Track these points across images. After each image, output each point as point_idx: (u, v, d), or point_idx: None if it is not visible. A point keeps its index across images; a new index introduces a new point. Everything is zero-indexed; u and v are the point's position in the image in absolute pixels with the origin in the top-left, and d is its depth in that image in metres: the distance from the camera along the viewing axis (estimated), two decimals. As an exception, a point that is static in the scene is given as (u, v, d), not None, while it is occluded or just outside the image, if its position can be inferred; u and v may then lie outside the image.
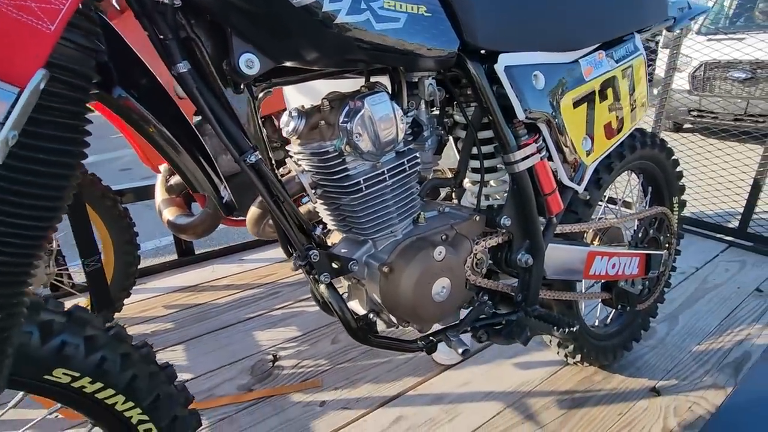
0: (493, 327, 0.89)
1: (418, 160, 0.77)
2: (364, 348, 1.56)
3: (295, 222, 0.70)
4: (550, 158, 0.88)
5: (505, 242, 0.89)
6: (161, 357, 1.55)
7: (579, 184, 0.93)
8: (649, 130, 2.66)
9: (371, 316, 0.80)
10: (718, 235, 2.40)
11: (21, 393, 0.56)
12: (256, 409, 1.32)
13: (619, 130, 0.99)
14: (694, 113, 5.17)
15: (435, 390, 1.38)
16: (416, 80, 0.74)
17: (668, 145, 1.37)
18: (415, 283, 0.72)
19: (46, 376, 0.55)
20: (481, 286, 0.88)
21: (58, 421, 1.24)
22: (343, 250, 0.78)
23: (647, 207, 1.41)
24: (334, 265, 0.74)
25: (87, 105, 0.43)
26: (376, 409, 1.31)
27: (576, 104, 0.88)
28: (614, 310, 1.47)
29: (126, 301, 1.72)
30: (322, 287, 0.75)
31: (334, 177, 0.70)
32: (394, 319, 0.80)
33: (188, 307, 1.85)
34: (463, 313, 0.88)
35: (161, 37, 0.53)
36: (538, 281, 0.91)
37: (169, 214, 1.60)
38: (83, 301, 1.57)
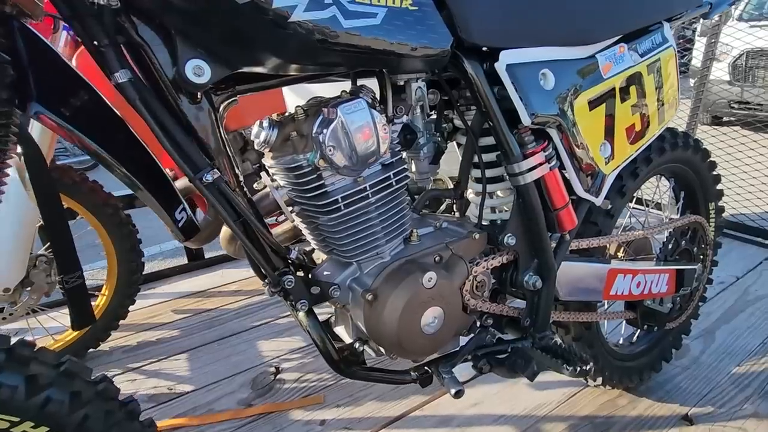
0: (496, 356, 0.80)
1: (407, 173, 0.68)
2: (369, 362, 1.49)
3: (267, 245, 0.63)
4: (562, 167, 0.78)
5: (510, 262, 0.79)
6: (165, 366, 1.53)
7: (597, 195, 0.82)
8: (684, 124, 2.48)
9: (357, 345, 0.72)
10: (763, 241, 2.20)
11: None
12: (255, 426, 1.27)
13: (645, 133, 0.88)
14: (735, 105, 4.83)
15: (442, 411, 1.29)
16: (402, 84, 0.66)
17: (703, 146, 1.23)
18: (400, 314, 0.64)
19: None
20: (484, 311, 0.79)
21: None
22: (325, 273, 0.70)
23: (679, 214, 1.27)
24: (313, 291, 0.67)
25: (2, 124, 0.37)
26: (379, 431, 1.23)
27: (592, 105, 0.78)
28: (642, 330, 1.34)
29: (133, 306, 1.70)
30: (301, 315, 0.68)
31: (309, 194, 0.62)
32: (381, 349, 0.72)
33: (196, 314, 1.83)
34: (463, 340, 0.79)
35: (95, 43, 0.46)
36: (548, 305, 0.81)
37: (173, 220, 1.58)
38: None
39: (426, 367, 0.77)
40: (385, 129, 0.62)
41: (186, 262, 2.17)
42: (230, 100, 0.58)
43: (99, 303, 1.54)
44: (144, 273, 1.64)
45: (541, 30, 0.72)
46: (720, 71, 4.71)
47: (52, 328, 1.57)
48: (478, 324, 0.81)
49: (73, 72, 0.47)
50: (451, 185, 0.89)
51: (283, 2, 0.46)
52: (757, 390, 1.32)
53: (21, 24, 0.41)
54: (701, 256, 1.26)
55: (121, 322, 1.65)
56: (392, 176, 0.66)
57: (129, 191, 2.02)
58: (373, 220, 0.65)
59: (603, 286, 0.92)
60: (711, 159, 1.27)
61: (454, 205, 0.86)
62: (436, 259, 0.71)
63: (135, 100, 0.48)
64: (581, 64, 0.76)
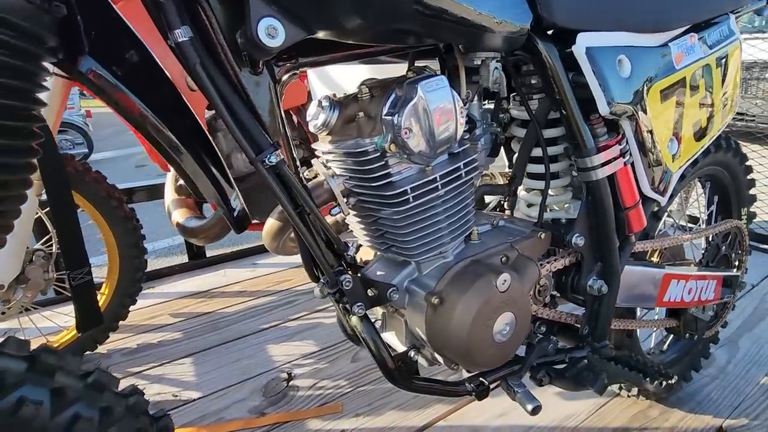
0: (553, 366, 0.74)
1: (477, 164, 0.61)
2: (388, 368, 1.42)
3: (324, 239, 0.56)
4: (632, 163, 0.72)
5: (572, 264, 0.73)
6: (168, 370, 1.43)
7: (663, 194, 0.77)
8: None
9: (412, 353, 0.65)
10: (773, 248, 2.19)
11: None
12: (269, 436, 1.19)
13: (708, 131, 0.83)
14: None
15: (468, 421, 1.23)
16: (478, 64, 0.59)
17: (742, 150, 1.19)
18: (473, 320, 0.57)
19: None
20: (543, 318, 0.73)
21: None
22: (379, 273, 0.63)
23: (714, 219, 1.23)
24: (370, 293, 0.60)
25: (41, 75, 0.29)
26: (403, 443, 1.16)
27: (664, 97, 0.72)
28: (671, 336, 1.30)
29: (133, 306, 1.60)
30: (354, 319, 0.61)
31: (374, 183, 0.55)
32: (439, 358, 0.65)
33: (198, 315, 1.73)
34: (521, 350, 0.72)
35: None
36: (609, 311, 0.75)
37: (179, 216, 1.48)
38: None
39: (481, 378, 0.70)
40: (462, 113, 0.55)
41: (185, 260, 2.07)
42: (291, 73, 0.51)
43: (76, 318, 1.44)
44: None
45: (619, 13, 0.66)
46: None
47: (45, 329, 1.47)
48: (537, 334, 0.75)
49: (126, 25, 0.40)
50: (500, 180, 0.82)
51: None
52: (789, 401, 1.28)
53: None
54: (738, 262, 1.22)
55: (121, 323, 1.55)
56: (462, 167, 0.59)
57: (132, 184, 1.92)
58: (440, 215, 0.59)
59: (658, 292, 0.87)
60: (748, 163, 1.23)
61: (506, 203, 0.80)
62: (503, 259, 0.64)
63: (195, 65, 0.41)
64: (656, 52, 0.70)
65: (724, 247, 1.16)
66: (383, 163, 0.55)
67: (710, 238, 1.13)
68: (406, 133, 0.51)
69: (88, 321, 1.03)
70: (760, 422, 1.21)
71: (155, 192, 1.86)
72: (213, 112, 0.49)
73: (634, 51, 0.68)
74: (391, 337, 0.69)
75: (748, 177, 1.26)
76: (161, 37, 0.40)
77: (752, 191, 1.30)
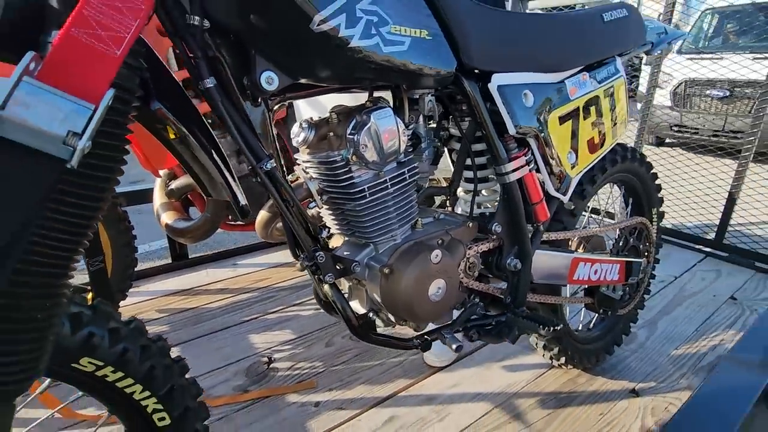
0: (483, 327, 0.95)
1: (418, 170, 0.83)
2: (358, 350, 1.61)
3: (304, 225, 0.75)
4: (537, 170, 0.95)
5: (495, 248, 0.95)
6: (157, 358, 1.58)
7: (564, 194, 1.00)
8: (632, 143, 2.79)
9: (371, 315, 0.85)
10: (697, 246, 2.51)
11: (48, 380, 0.60)
12: (252, 409, 1.35)
13: (602, 145, 1.07)
14: (675, 128, 5.37)
15: (426, 391, 1.43)
16: (417, 97, 0.81)
17: (647, 160, 1.46)
18: (413, 284, 0.78)
19: (73, 364, 0.59)
20: (473, 289, 0.94)
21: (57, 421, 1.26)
22: (345, 253, 0.83)
23: (628, 217, 1.49)
24: (338, 267, 0.80)
25: (130, 115, 0.48)
26: (369, 410, 1.35)
27: (562, 120, 0.96)
28: (597, 315, 1.55)
29: (121, 303, 1.74)
30: (326, 287, 0.80)
31: (341, 184, 0.75)
32: (392, 318, 0.85)
33: (183, 311, 1.87)
34: (456, 314, 0.94)
35: (191, 55, 0.58)
36: (525, 284, 0.98)
37: (168, 218, 1.64)
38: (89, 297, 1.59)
39: (426, 336, 0.91)
40: (404, 133, 0.76)
41: (170, 261, 2.20)
42: (281, 104, 0.71)
43: (92, 296, 1.58)
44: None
45: (525, 59, 0.89)
46: (662, 97, 5.25)
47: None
48: (470, 301, 0.96)
49: (167, 71, 0.58)
50: (444, 184, 1.04)
51: (345, 32, 0.60)
52: (691, 368, 1.55)
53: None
54: (646, 253, 1.48)
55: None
56: (406, 172, 0.81)
57: (126, 188, 2.05)
58: (390, 207, 0.79)
59: (568, 272, 1.10)
60: (654, 171, 1.50)
61: (447, 201, 1.01)
62: (439, 242, 0.85)
63: (218, 103, 0.60)
64: (554, 87, 0.94)
65: (632, 240, 1.42)
66: (347, 169, 0.75)
67: (618, 232, 1.39)
68: (363, 147, 0.72)
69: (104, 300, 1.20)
70: (666, 384, 1.47)
71: (142, 196, 2.00)
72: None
73: (537, 86, 0.91)
74: (355, 304, 0.89)
75: (656, 182, 1.53)
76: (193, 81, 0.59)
77: (660, 194, 1.57)
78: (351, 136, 0.72)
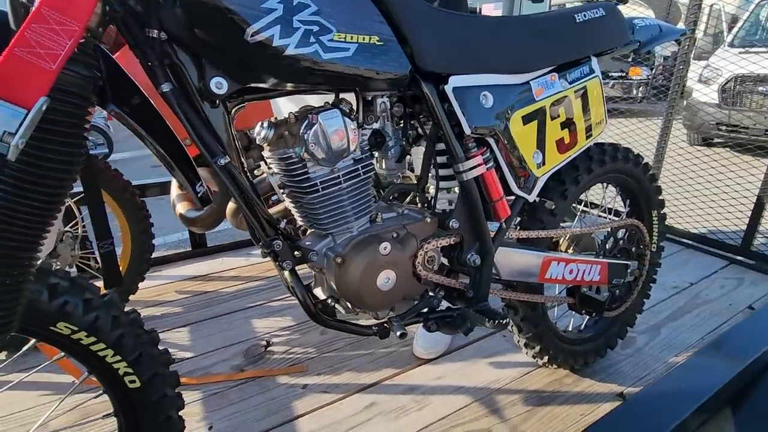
0: (443, 319, 0.99)
1: (372, 167, 0.88)
2: (351, 340, 1.68)
3: (263, 216, 0.83)
4: (499, 169, 0.98)
5: (456, 243, 0.99)
6: (167, 337, 1.72)
7: (529, 193, 1.02)
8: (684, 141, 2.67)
9: (330, 301, 0.92)
10: (720, 252, 2.39)
11: (33, 340, 0.71)
12: (245, 387, 1.46)
13: (573, 145, 1.08)
14: (723, 127, 5.04)
15: (410, 381, 1.48)
16: (370, 98, 0.86)
17: (644, 161, 1.43)
18: (361, 273, 0.83)
19: (51, 327, 0.70)
20: (435, 282, 0.99)
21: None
22: (307, 243, 0.90)
23: (622, 218, 1.47)
24: (296, 254, 0.87)
25: (86, 117, 0.57)
26: (353, 395, 1.42)
27: (526, 121, 0.98)
28: (588, 318, 1.54)
29: (142, 285, 1.90)
30: (286, 273, 0.88)
31: (296, 179, 0.82)
32: (348, 305, 0.92)
33: (196, 294, 2.02)
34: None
35: (149, 63, 0.66)
36: (487, 280, 1.01)
37: (182, 208, 1.78)
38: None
39: (384, 324, 0.96)
40: (354, 132, 0.82)
41: (190, 249, 2.37)
42: (239, 106, 0.79)
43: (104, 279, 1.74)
44: (152, 258, 1.85)
45: (483, 61, 0.92)
46: (707, 96, 4.94)
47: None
48: (431, 294, 1.01)
49: (132, 82, 0.67)
50: (415, 181, 1.09)
51: (279, 42, 0.67)
52: (687, 376, 1.50)
53: (100, 47, 0.61)
54: (639, 255, 1.45)
55: (131, 297, 1.85)
56: (360, 168, 0.86)
57: (144, 181, 2.23)
58: (344, 201, 0.85)
59: (539, 270, 1.12)
60: (652, 172, 1.47)
61: (417, 198, 1.06)
62: (394, 235, 0.90)
63: (174, 104, 0.68)
64: (517, 89, 0.96)
65: (621, 241, 1.40)
66: (302, 165, 0.82)
67: (608, 232, 1.37)
68: (312, 146, 0.78)
69: (113, 280, 1.33)
70: (657, 390, 1.44)
71: (165, 188, 2.16)
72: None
73: (497, 88, 0.94)
74: (318, 291, 0.96)
75: (655, 184, 1.50)
76: (153, 86, 0.68)
77: (660, 197, 1.53)
78: (303, 135, 0.79)
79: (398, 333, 0.88)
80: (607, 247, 1.35)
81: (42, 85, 0.48)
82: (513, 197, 1.02)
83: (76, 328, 0.71)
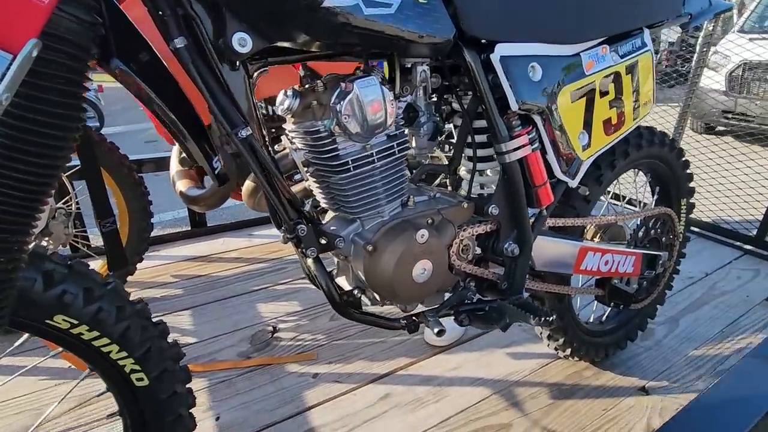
0: (475, 312, 0.92)
1: (408, 144, 0.79)
2: (362, 327, 1.61)
3: (286, 197, 0.73)
4: (544, 150, 0.89)
5: (493, 231, 0.91)
6: (168, 320, 1.64)
7: (573, 178, 0.93)
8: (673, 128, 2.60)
9: (356, 292, 0.83)
10: (736, 243, 2.34)
11: (26, 334, 0.62)
12: (254, 375, 1.39)
13: (620, 127, 0.99)
14: (729, 115, 4.94)
15: (425, 372, 1.42)
16: (409, 66, 0.76)
17: (678, 146, 1.34)
18: (396, 263, 0.75)
19: (47, 321, 0.61)
20: (467, 272, 0.90)
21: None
22: (332, 228, 0.81)
23: (653, 207, 1.39)
24: (322, 241, 0.78)
25: (86, 73, 0.46)
26: (366, 385, 1.36)
27: (574, 98, 0.88)
28: (610, 308, 1.48)
29: (139, 266, 1.81)
30: (309, 261, 0.79)
31: (324, 156, 0.73)
32: (377, 296, 0.83)
33: (197, 276, 1.93)
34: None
35: (160, 12, 0.56)
36: (523, 271, 0.93)
37: (182, 185, 1.67)
38: (100, 262, 1.66)
39: (414, 317, 0.88)
40: (392, 104, 0.72)
41: (190, 228, 2.27)
42: (262, 69, 0.68)
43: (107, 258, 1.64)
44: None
45: (533, 28, 0.82)
46: (716, 82, 4.82)
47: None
48: (462, 285, 0.93)
49: (141, 35, 0.57)
50: (446, 162, 1.00)
51: (317, -10, 0.56)
52: (709, 370, 1.46)
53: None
54: (669, 246, 1.38)
55: (128, 278, 1.76)
56: (395, 146, 0.77)
57: (141, 156, 2.11)
58: (376, 182, 0.76)
59: (574, 261, 1.04)
60: (685, 158, 1.38)
61: (448, 180, 0.97)
62: (429, 221, 0.82)
63: (188, 64, 0.58)
64: (567, 60, 0.86)
65: (653, 231, 1.33)
66: (331, 140, 0.72)
67: (640, 221, 1.29)
68: (345, 118, 0.68)
69: (117, 261, 1.24)
70: (679, 385, 1.40)
71: (162, 164, 2.05)
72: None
73: (546, 59, 0.84)
74: (342, 281, 0.88)
75: (687, 171, 1.42)
76: (164, 41, 0.57)
77: (691, 184, 1.45)
78: (334, 106, 0.69)
79: (436, 330, 0.80)
80: (639, 236, 1.27)
81: (31, 24, 0.38)
82: (553, 181, 0.93)
83: (75, 322, 0.62)
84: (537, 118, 0.85)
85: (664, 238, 1.37)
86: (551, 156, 0.90)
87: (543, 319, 0.83)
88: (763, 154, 2.76)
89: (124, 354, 0.68)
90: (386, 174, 0.77)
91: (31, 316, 0.59)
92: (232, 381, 1.36)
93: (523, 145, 0.83)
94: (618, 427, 1.24)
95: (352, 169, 0.73)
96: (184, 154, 1.61)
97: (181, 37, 0.57)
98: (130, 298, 0.70)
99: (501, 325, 0.85)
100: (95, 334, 0.64)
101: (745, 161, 2.59)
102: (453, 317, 0.91)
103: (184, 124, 0.61)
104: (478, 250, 0.93)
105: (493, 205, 0.86)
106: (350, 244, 0.80)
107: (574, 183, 0.94)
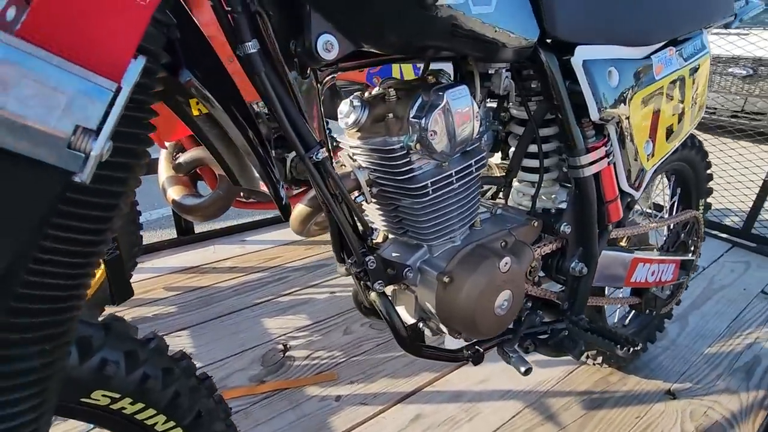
0: (538, 336, 0.85)
1: (485, 161, 0.70)
2: (379, 340, 1.52)
3: (352, 224, 0.63)
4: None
5: (557, 249, 0.84)
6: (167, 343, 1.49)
7: (637, 190, 0.88)
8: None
9: (420, 325, 0.74)
10: (722, 235, 2.41)
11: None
12: (271, 402, 1.27)
13: (680, 133, 0.94)
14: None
15: (452, 387, 1.35)
16: (492, 72, 0.67)
17: (704, 147, 1.33)
18: (479, 296, 0.66)
19: (83, 399, 0.48)
20: (531, 295, 0.83)
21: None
22: (394, 254, 0.71)
23: (677, 209, 1.38)
24: (389, 272, 0.68)
25: (154, 93, 0.34)
26: (394, 406, 1.28)
27: (644, 104, 0.82)
28: (632, 312, 1.46)
29: (125, 282, 1.63)
30: (373, 295, 0.69)
31: (399, 177, 0.63)
32: (443, 328, 0.75)
33: (190, 290, 1.78)
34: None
35: (229, 9, 0.44)
36: (587, 290, 0.87)
37: (175, 193, 1.51)
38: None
39: (477, 347, 0.80)
40: (477, 117, 0.63)
41: (175, 236, 2.08)
42: (331, 76, 0.57)
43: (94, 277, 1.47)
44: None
45: (612, 29, 0.74)
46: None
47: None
48: (528, 310, 0.86)
49: (207, 41, 0.44)
50: (497, 172, 0.91)
51: (434, -15, 0.46)
52: (727, 368, 1.47)
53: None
54: (693, 248, 1.37)
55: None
56: (473, 163, 0.68)
57: None
58: (453, 205, 0.67)
59: (626, 274, 0.99)
60: (708, 159, 1.37)
61: (501, 193, 0.89)
62: (503, 244, 0.73)
63: (261, 73, 0.46)
64: (639, 64, 0.80)
65: (683, 235, 1.31)
66: (408, 159, 0.62)
67: (671, 227, 1.27)
68: (431, 134, 0.59)
69: (122, 293, 1.08)
70: (702, 386, 1.40)
71: (148, 167, 1.85)
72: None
73: (622, 63, 0.77)
74: (401, 311, 0.78)
75: (708, 172, 1.41)
76: (229, 47, 0.45)
77: (710, 184, 1.45)
78: (416, 120, 0.59)
79: (523, 369, 0.73)
80: (672, 241, 1.25)
81: (134, 31, 0.25)
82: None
83: (118, 396, 0.50)
84: (611, 128, 0.79)
85: (690, 241, 1.35)
86: (620, 168, 0.83)
87: (632, 349, 0.78)
88: (732, 145, 2.85)
89: (171, 425, 0.56)
90: (462, 196, 0.68)
91: (66, 396, 0.46)
92: (248, 411, 1.24)
93: (600, 158, 0.76)
94: (654, 435, 1.22)
95: (431, 192, 0.63)
96: (179, 160, 1.45)
97: (254, 40, 0.45)
98: (173, 355, 0.58)
99: (575, 353, 0.78)
100: (140, 406, 0.52)
101: (716, 153, 2.67)
102: (516, 344, 0.84)
103: (250, 144, 0.50)
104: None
105: (565, 223, 0.79)
106: (417, 273, 0.71)
107: (638, 194, 0.88)
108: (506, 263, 0.68)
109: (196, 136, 0.58)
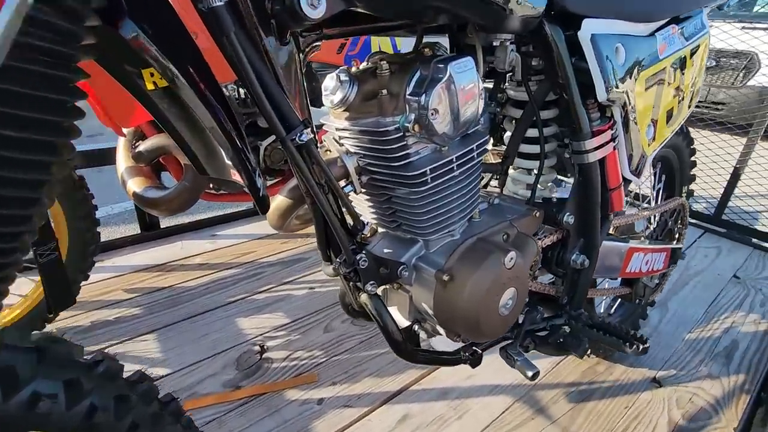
0: (537, 334, 0.80)
1: (487, 146, 0.63)
2: (361, 337, 1.45)
3: (339, 217, 0.55)
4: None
5: (558, 241, 0.78)
6: (129, 349, 1.37)
7: (638, 176, 0.83)
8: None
9: (415, 327, 0.67)
10: (694, 221, 2.46)
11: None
12: (248, 409, 1.18)
13: (678, 117, 0.90)
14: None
15: (439, 384, 1.30)
16: (496, 45, 0.59)
17: (690, 133, 1.31)
18: (483, 295, 0.59)
19: (11, 443, 0.38)
20: (531, 290, 0.78)
21: None
22: (386, 250, 0.64)
23: (662, 197, 1.36)
24: (382, 271, 0.60)
25: (83, 47, 0.25)
26: (380, 407, 1.21)
27: (648, 85, 0.77)
28: (618, 301, 1.45)
29: (83, 283, 1.49)
30: (364, 297, 0.61)
31: (394, 163, 0.55)
32: (441, 330, 0.68)
33: (156, 290, 1.65)
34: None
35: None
36: (587, 283, 0.82)
37: (136, 185, 1.37)
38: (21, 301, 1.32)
39: (474, 348, 0.74)
40: (483, 94, 0.56)
41: (138, 231, 1.94)
42: (315, 44, 0.48)
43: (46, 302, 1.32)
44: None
45: (621, 1, 0.68)
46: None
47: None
48: (528, 306, 0.80)
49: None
50: (493, 159, 0.85)
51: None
52: (708, 353, 1.49)
53: None
54: (678, 236, 1.36)
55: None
56: (475, 148, 0.60)
57: (80, 148, 1.74)
58: (453, 195, 0.60)
59: (622, 264, 0.95)
60: (693, 146, 1.36)
61: (498, 181, 0.82)
62: (504, 237, 0.67)
63: (230, 33, 0.37)
64: (645, 41, 0.74)
65: (670, 222, 1.29)
66: (404, 143, 0.54)
67: (660, 214, 1.25)
68: (432, 114, 0.51)
69: (60, 300, 0.95)
70: (686, 372, 1.41)
71: (101, 157, 1.70)
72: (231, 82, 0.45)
73: (629, 39, 0.71)
74: (394, 312, 0.71)
75: (692, 159, 1.40)
76: (192, 4, 0.35)
77: (693, 171, 1.44)
78: (414, 97, 0.51)
79: (530, 374, 0.67)
80: (659, 229, 1.23)
81: None
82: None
83: (58, 435, 0.40)
84: (616, 110, 0.73)
85: (676, 229, 1.34)
86: (622, 153, 0.78)
87: (641, 347, 0.73)
88: (694, 134, 2.91)
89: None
90: (463, 185, 0.61)
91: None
92: (222, 420, 1.15)
93: (606, 143, 0.71)
94: (643, 426, 1.21)
95: (430, 180, 0.56)
96: (138, 148, 1.32)
97: (220, -9, 0.36)
98: (130, 378, 0.49)
99: (579, 351, 0.73)
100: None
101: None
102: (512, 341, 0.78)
103: (222, 129, 0.40)
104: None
105: (568, 213, 0.73)
106: (412, 271, 0.63)
107: (639, 181, 0.84)
108: (511, 258, 0.61)
109: (152, 116, 0.48)
